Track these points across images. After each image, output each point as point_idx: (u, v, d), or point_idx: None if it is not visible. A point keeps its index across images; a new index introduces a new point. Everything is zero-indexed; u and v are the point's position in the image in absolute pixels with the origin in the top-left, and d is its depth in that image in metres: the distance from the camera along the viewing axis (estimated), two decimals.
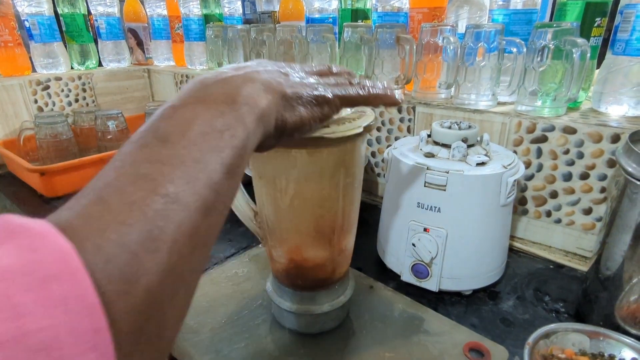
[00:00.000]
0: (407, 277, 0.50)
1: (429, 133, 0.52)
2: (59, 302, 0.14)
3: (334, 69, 0.33)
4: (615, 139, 0.49)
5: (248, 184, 0.37)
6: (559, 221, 0.56)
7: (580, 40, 0.49)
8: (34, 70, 1.02)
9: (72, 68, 1.09)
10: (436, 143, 0.50)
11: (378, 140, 0.73)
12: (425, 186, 0.46)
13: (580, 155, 0.52)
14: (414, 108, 0.66)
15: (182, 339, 0.43)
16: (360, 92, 0.31)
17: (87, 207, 0.17)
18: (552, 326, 0.37)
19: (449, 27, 0.62)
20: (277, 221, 0.39)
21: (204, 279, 0.53)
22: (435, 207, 0.46)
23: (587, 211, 0.54)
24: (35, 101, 0.97)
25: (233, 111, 0.23)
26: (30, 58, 1.01)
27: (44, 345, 0.13)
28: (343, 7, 0.82)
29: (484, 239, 0.48)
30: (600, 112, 0.55)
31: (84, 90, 1.05)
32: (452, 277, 0.48)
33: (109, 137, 0.89)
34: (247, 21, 1.17)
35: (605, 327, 0.37)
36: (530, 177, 0.57)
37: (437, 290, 0.48)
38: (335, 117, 0.33)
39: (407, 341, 0.42)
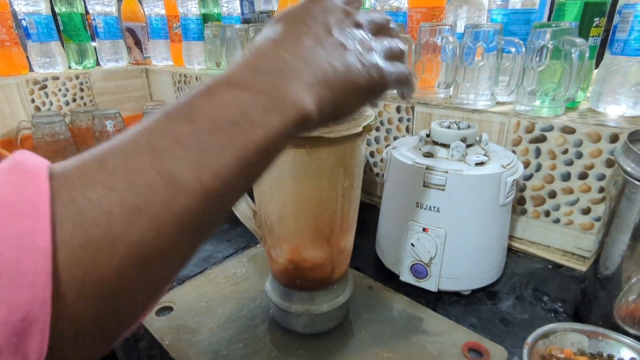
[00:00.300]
0: (406, 277, 0.50)
1: (428, 133, 0.52)
2: (14, 236, 0.15)
3: (392, 24, 0.29)
4: (614, 138, 0.49)
5: None
6: (557, 221, 0.56)
7: (578, 40, 0.49)
8: (31, 69, 1.01)
9: (69, 67, 1.08)
10: (435, 143, 0.50)
11: (377, 140, 0.73)
12: (424, 186, 0.46)
13: (579, 155, 0.52)
14: (412, 108, 0.66)
15: (180, 340, 0.43)
16: (406, 71, 0.29)
17: (87, 162, 0.18)
18: (551, 326, 0.37)
19: (447, 26, 0.62)
20: (276, 221, 0.39)
21: (203, 279, 0.53)
22: (434, 207, 0.46)
23: (586, 211, 0.54)
24: (33, 101, 0.96)
25: (276, 109, 0.21)
26: (27, 57, 1.00)
27: None
28: None
29: (482, 238, 0.48)
30: (599, 112, 0.55)
31: (82, 90, 1.05)
32: (451, 277, 0.48)
33: (106, 136, 0.89)
34: (245, 21, 1.17)
35: (604, 327, 0.37)
36: (529, 177, 0.57)
37: (436, 290, 0.48)
38: None
39: (406, 341, 0.42)
